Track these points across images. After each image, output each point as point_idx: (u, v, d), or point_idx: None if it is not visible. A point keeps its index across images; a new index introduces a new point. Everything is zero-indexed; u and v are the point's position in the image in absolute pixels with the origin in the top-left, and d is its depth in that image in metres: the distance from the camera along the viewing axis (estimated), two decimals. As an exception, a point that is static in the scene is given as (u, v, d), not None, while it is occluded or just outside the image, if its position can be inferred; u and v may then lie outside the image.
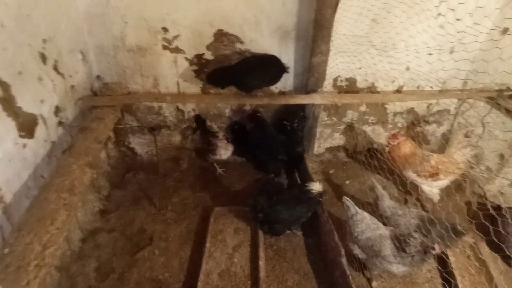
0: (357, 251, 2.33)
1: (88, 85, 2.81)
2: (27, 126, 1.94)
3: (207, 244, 2.54)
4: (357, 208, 2.37)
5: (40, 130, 2.07)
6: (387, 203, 2.54)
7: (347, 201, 2.41)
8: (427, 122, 3.54)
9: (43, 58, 2.13)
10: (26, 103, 1.92)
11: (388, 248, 2.16)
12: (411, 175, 2.76)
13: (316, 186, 2.56)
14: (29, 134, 1.96)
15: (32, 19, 2.00)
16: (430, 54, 2.84)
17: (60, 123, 2.33)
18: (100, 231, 2.74)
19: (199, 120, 3.25)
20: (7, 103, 1.77)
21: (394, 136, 2.76)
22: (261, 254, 2.45)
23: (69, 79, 2.47)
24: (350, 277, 2.14)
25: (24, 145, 1.92)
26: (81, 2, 2.55)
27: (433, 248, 2.07)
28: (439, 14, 2.24)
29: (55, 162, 2.19)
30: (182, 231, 2.78)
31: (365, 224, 2.30)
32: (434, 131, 3.64)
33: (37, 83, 2.07)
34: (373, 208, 2.58)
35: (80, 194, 1.75)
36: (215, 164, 3.37)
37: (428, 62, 2.72)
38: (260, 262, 2.38)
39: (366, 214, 2.36)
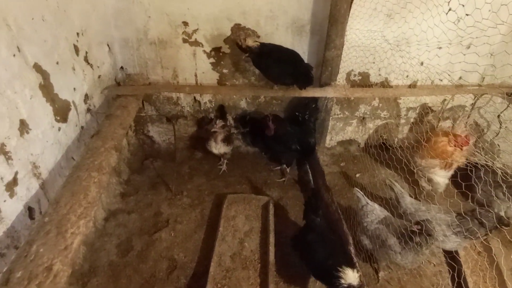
0: (366, 241, 2.39)
1: (113, 75, 2.98)
2: (61, 111, 2.13)
3: (220, 228, 2.68)
4: (367, 199, 2.45)
5: (72, 116, 2.26)
6: (408, 200, 2.55)
7: (358, 192, 2.49)
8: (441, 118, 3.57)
9: (76, 50, 2.31)
10: (61, 90, 2.11)
11: (394, 237, 2.22)
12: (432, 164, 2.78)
13: (349, 277, 1.90)
14: (63, 119, 2.15)
15: (68, 14, 2.18)
16: (440, 48, 2.86)
17: (88, 110, 2.52)
18: (121, 212, 2.93)
19: (222, 111, 3.35)
20: (46, 90, 1.95)
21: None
22: (271, 240, 2.56)
23: (97, 70, 2.65)
24: (357, 264, 2.21)
25: (59, 129, 2.11)
26: (109, -2, 2.71)
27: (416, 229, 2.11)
28: (450, 10, 2.27)
29: (83, 145, 2.38)
30: (197, 215, 2.94)
31: (375, 215, 2.37)
32: (449, 127, 3.67)
33: (71, 72, 2.25)
34: (394, 204, 2.58)
35: (107, 173, 1.92)
36: (221, 158, 3.44)
37: (441, 56, 2.75)
38: (270, 247, 2.50)
39: (376, 205, 2.43)
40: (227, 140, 3.20)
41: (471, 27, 2.06)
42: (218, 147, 3.18)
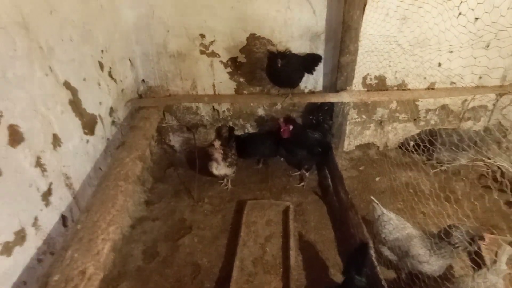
0: (387, 252, 2.34)
1: (135, 88, 3.13)
2: (89, 124, 2.27)
3: (242, 234, 2.72)
4: (383, 209, 2.39)
5: (99, 128, 2.40)
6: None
7: (374, 201, 2.44)
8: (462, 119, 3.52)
9: (101, 66, 2.46)
10: (88, 105, 2.25)
11: (416, 247, 2.15)
12: None
13: None
14: (90, 132, 2.28)
15: (93, 33, 2.34)
16: (451, 51, 2.84)
17: (113, 122, 2.66)
18: (146, 219, 3.03)
19: (231, 133, 3.42)
20: (75, 105, 2.10)
21: None
22: (292, 244, 2.59)
23: (120, 84, 2.80)
24: (378, 268, 2.20)
25: (87, 141, 2.24)
26: (130, 16, 2.86)
27: (482, 238, 2.01)
28: (460, 14, 2.26)
29: (109, 156, 2.50)
30: (218, 221, 3.00)
31: (393, 225, 2.31)
32: (470, 128, 3.60)
33: (97, 87, 2.40)
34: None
35: (133, 182, 2.03)
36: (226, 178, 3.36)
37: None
38: (291, 252, 2.52)
39: (392, 215, 2.37)
40: (228, 160, 3.09)
41: (481, 30, 2.04)
42: (219, 169, 3.09)
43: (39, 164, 1.74)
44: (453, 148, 2.93)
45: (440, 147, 3.10)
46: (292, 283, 2.33)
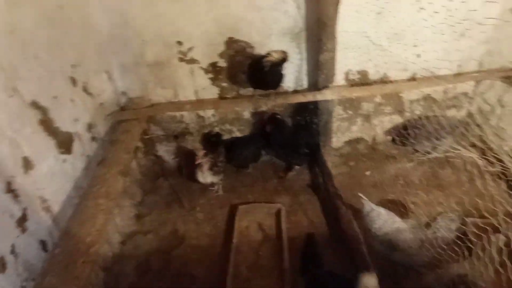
0: (378, 247, 2.35)
1: (115, 101, 3.06)
2: (65, 143, 2.20)
3: (234, 240, 2.69)
4: (372, 204, 2.40)
5: (76, 146, 2.32)
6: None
7: (362, 198, 2.44)
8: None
9: (73, 81, 2.39)
10: (62, 123, 2.18)
11: (406, 241, 2.17)
12: None
13: None
14: (67, 151, 2.22)
15: (62, 48, 2.26)
16: (415, 45, 2.87)
17: (93, 138, 2.59)
18: (137, 233, 2.97)
19: (218, 139, 3.36)
20: (46, 125, 2.03)
21: None
22: (285, 246, 2.56)
23: (98, 98, 2.73)
24: (370, 262, 2.21)
25: (64, 160, 2.17)
26: (103, 27, 2.78)
27: (469, 225, 2.02)
28: (422, 8, 2.28)
29: (92, 173, 2.44)
30: (211, 229, 2.95)
31: (382, 220, 2.32)
32: (454, 115, 3.59)
33: (70, 104, 2.32)
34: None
35: (114, 199, 1.97)
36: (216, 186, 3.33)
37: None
38: (284, 254, 2.50)
39: (382, 209, 2.37)
40: (214, 168, 3.08)
41: (442, 23, 2.04)
42: (204, 176, 3.07)
43: (9, 189, 1.68)
44: (427, 137, 2.96)
45: (413, 140, 3.10)
46: (286, 286, 2.31)
